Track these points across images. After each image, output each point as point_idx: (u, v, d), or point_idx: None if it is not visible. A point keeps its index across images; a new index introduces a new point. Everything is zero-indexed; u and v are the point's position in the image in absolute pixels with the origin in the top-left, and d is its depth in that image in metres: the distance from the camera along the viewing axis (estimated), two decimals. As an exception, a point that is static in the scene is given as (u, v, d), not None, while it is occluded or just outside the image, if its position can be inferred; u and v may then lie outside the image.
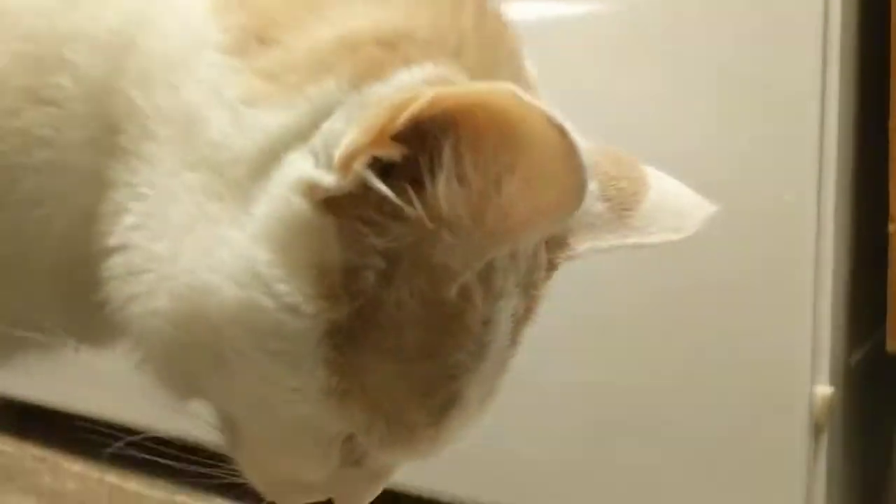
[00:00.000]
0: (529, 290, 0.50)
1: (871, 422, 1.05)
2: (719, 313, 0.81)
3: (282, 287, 0.44)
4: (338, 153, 0.42)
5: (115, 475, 1.16)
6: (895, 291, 0.85)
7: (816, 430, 0.80)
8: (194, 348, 0.47)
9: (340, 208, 0.43)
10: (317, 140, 0.44)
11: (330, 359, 0.45)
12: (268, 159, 0.45)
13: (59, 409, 1.19)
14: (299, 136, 0.45)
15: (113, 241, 0.48)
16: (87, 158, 0.50)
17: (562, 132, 0.39)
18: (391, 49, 0.46)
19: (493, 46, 0.50)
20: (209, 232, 0.46)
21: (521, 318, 0.50)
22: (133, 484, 1.13)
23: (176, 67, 0.48)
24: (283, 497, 0.55)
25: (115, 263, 0.48)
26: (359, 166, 0.42)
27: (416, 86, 0.44)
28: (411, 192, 0.43)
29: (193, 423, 0.53)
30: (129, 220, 0.48)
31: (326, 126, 0.44)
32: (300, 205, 0.44)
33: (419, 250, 0.45)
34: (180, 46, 0.49)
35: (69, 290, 0.53)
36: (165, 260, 0.46)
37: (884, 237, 0.88)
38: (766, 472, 0.80)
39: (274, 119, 0.45)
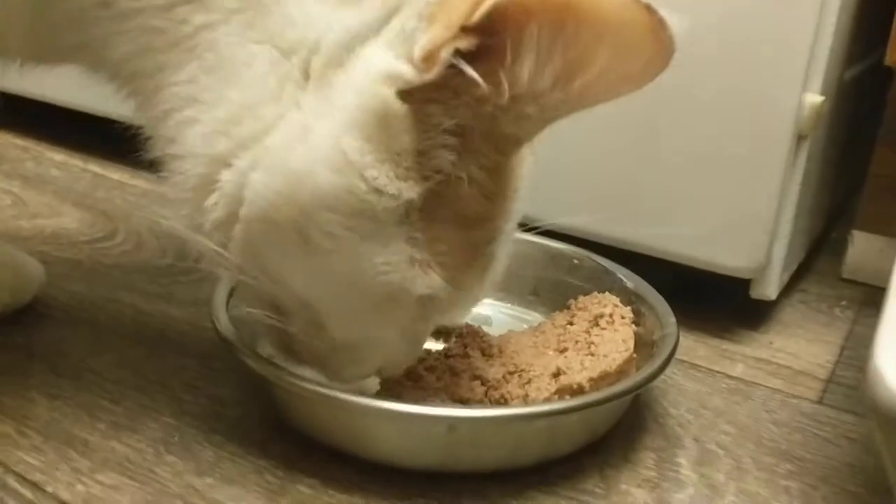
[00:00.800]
0: (535, 150, 0.55)
1: (853, 137, 1.06)
2: (724, 9, 0.78)
3: (372, 172, 0.47)
4: (420, 49, 0.45)
5: (98, 165, 1.17)
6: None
7: (800, 136, 0.80)
8: (280, 228, 0.50)
9: (413, 95, 0.46)
10: (390, 34, 0.47)
11: (410, 234, 0.50)
12: (345, 53, 0.48)
13: (42, 100, 1.18)
14: (372, 30, 0.48)
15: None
16: None
17: (648, 9, 0.43)
18: None
19: None
20: (294, 116, 0.49)
21: (527, 175, 0.55)
22: (116, 174, 1.15)
23: None
24: (343, 368, 0.60)
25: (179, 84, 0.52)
26: (446, 56, 0.45)
27: None
28: (500, 73, 0.46)
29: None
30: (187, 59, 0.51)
31: (397, 21, 0.47)
32: (385, 96, 0.46)
33: (491, 124, 0.48)
34: None
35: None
36: (246, 110, 0.50)
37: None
38: (746, 170, 0.81)
39: (350, 15, 0.48)
